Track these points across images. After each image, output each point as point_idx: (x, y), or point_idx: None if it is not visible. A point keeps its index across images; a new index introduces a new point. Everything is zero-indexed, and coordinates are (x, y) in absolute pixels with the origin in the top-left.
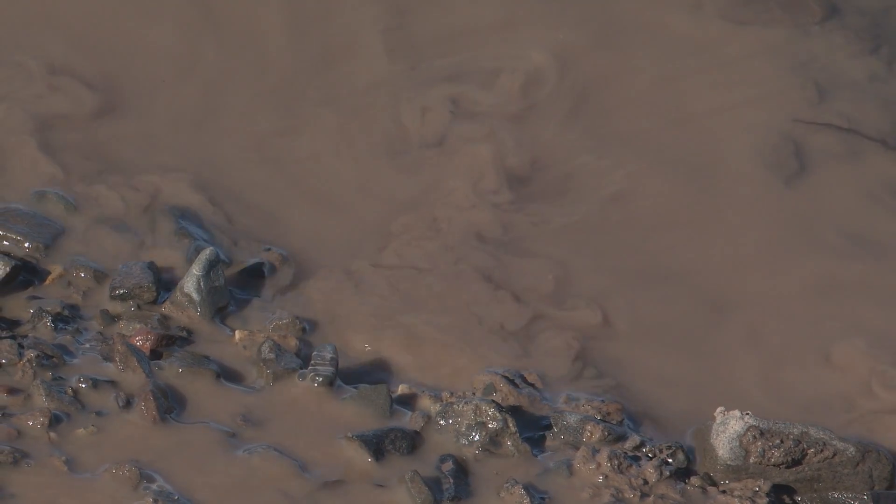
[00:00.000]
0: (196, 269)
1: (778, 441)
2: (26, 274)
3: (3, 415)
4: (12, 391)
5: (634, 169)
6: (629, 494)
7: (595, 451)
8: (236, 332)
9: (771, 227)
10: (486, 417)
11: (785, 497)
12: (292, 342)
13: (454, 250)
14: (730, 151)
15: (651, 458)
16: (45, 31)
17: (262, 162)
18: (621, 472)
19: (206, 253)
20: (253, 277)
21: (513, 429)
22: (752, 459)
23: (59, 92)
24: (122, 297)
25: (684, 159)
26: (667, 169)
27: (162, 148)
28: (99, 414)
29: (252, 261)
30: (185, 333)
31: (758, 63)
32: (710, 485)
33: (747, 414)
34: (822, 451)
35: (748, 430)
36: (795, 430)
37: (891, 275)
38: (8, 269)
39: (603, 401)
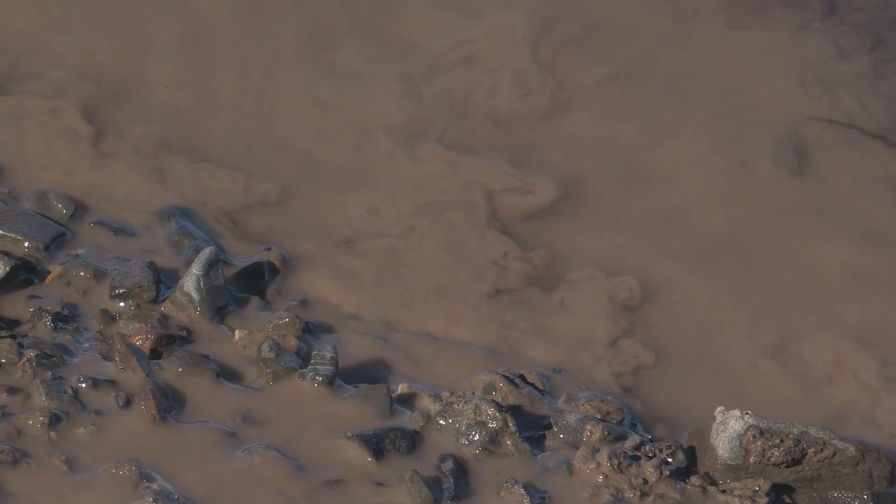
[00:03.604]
0: (196, 269)
1: (778, 440)
2: (26, 273)
3: (2, 414)
4: (12, 390)
5: (630, 163)
6: (629, 494)
7: (595, 451)
8: (236, 331)
9: (777, 222)
10: (485, 417)
11: (785, 496)
12: (292, 341)
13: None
14: (733, 148)
15: (651, 458)
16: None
17: (261, 159)
18: (621, 472)
19: (206, 252)
20: (253, 277)
21: (512, 428)
22: (751, 459)
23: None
24: (122, 297)
25: (685, 157)
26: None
27: (165, 141)
28: (99, 413)
29: (252, 260)
30: (184, 333)
31: (758, 61)
32: (709, 484)
33: (747, 413)
34: (821, 450)
35: (748, 429)
36: (795, 429)
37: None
38: (8, 268)
39: (603, 400)
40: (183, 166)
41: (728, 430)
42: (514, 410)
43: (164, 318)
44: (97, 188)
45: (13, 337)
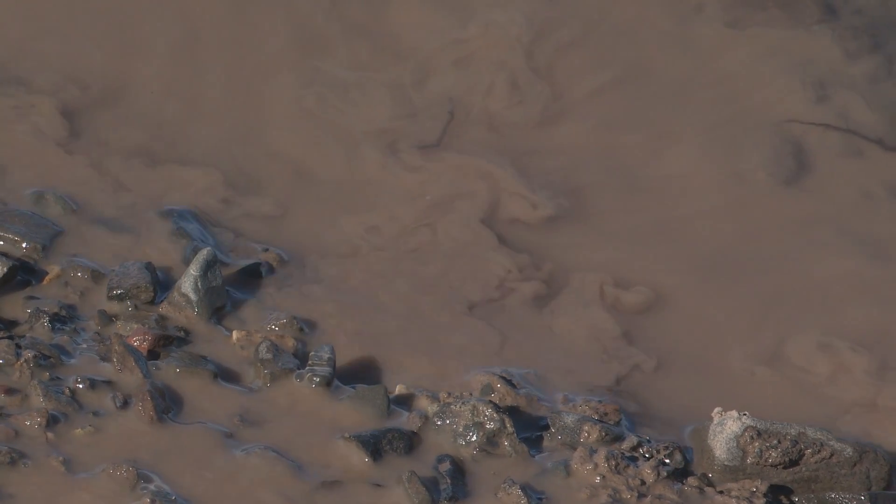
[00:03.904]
0: (193, 270)
1: (775, 441)
2: (24, 274)
3: (0, 415)
4: (10, 391)
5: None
6: (626, 495)
7: (592, 452)
8: (234, 332)
9: (777, 231)
10: (483, 418)
11: (782, 497)
12: (290, 342)
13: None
14: (732, 156)
15: (648, 459)
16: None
17: (261, 160)
18: (619, 473)
19: (204, 253)
20: (250, 277)
21: (510, 429)
22: (749, 460)
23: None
24: (120, 298)
25: (685, 166)
26: (668, 163)
27: (161, 144)
28: (96, 414)
29: (250, 261)
30: (182, 333)
31: (756, 64)
32: (707, 485)
33: (745, 414)
34: (819, 451)
35: (745, 430)
36: (793, 430)
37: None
38: (5, 269)
39: (600, 401)
40: (165, 172)
41: (725, 430)
42: (512, 411)
43: (162, 319)
44: (88, 190)
45: (11, 338)
